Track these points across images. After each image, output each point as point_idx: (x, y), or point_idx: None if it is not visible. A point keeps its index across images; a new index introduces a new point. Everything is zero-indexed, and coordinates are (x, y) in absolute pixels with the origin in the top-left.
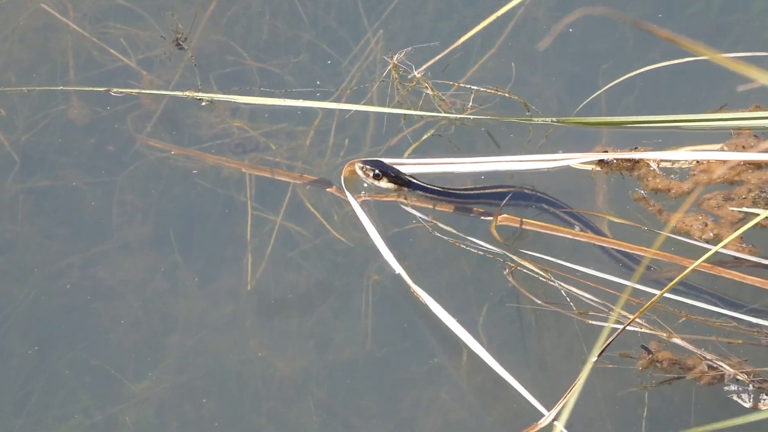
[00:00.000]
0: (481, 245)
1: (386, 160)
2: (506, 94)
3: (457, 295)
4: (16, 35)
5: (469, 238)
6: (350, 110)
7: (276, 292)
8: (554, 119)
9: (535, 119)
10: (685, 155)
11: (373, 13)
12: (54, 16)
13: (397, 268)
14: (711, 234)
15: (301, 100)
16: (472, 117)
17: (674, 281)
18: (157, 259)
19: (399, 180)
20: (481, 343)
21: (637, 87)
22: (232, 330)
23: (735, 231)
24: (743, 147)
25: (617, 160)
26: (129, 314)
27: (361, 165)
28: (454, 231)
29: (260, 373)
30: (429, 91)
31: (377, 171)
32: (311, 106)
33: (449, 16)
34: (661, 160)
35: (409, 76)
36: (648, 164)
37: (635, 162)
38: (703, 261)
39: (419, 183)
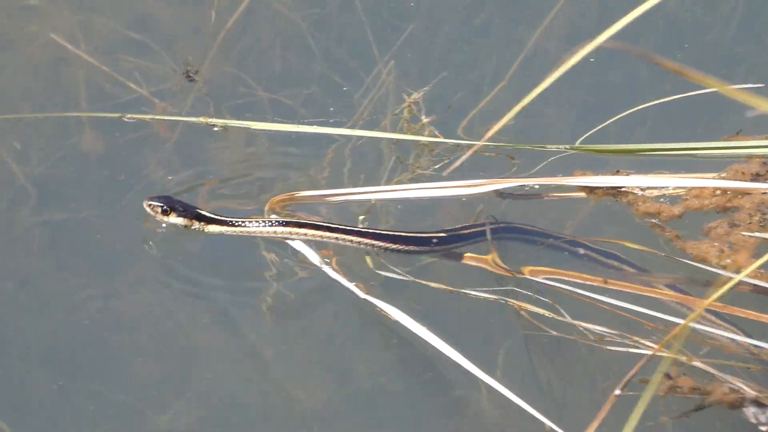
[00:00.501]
0: (477, 293)
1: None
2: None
3: (468, 329)
4: (29, 68)
5: (464, 291)
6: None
7: (297, 323)
8: (567, 146)
9: (549, 146)
10: (664, 181)
11: (384, 44)
12: (66, 48)
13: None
14: (728, 260)
15: (315, 126)
16: (486, 144)
17: (700, 309)
18: (173, 294)
19: (188, 214)
20: (498, 377)
21: (650, 117)
22: (253, 361)
23: (751, 255)
24: (743, 174)
25: (605, 187)
26: (150, 347)
27: (148, 203)
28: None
29: (281, 405)
30: (429, 138)
31: (165, 207)
32: (324, 132)
33: (460, 47)
34: (646, 187)
35: (422, 119)
36: (633, 191)
37: (618, 189)
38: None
39: (212, 216)
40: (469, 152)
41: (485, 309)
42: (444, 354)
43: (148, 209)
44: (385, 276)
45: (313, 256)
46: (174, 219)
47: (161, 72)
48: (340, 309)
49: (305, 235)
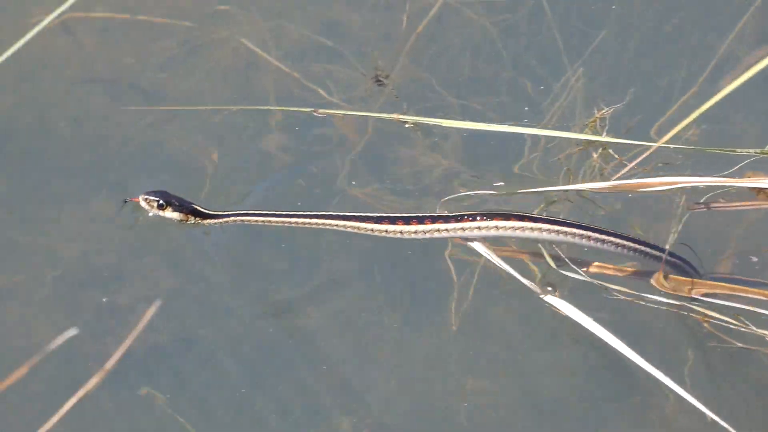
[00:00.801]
0: (660, 300)
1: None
2: None
3: (650, 337)
4: (219, 72)
5: (644, 295)
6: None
7: (480, 330)
8: (757, 150)
9: (738, 150)
10: None
11: (574, 52)
12: (256, 53)
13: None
14: None
15: (506, 125)
16: (675, 146)
17: None
18: (361, 294)
19: (184, 209)
20: (686, 386)
21: None
22: (437, 367)
23: None
24: None
25: None
26: (333, 352)
27: (145, 197)
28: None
29: (466, 411)
30: (619, 140)
31: (161, 201)
32: (515, 132)
33: (650, 53)
34: None
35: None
36: None
37: None
38: None
39: (208, 212)
40: (648, 152)
41: (664, 317)
42: (627, 359)
43: (144, 203)
44: (566, 279)
45: (495, 258)
46: (170, 213)
47: (350, 77)
48: (524, 312)
49: (296, 223)
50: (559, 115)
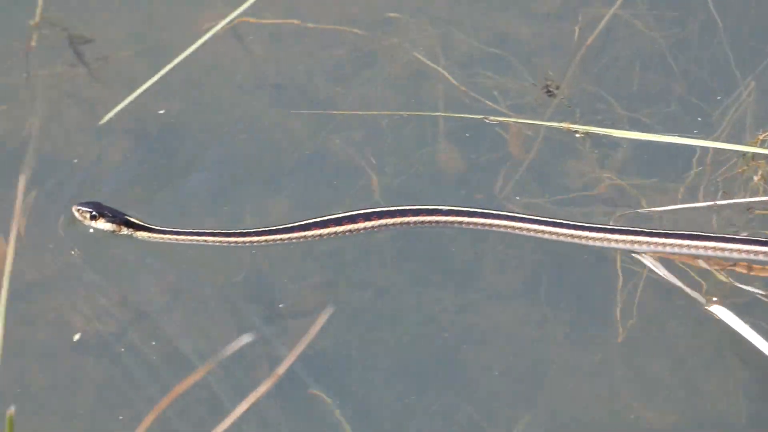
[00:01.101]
0: None
1: None
2: None
3: None
4: (388, 79)
5: None
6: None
7: (645, 343)
8: None
9: None
10: None
11: (746, 65)
12: (424, 62)
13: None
14: None
15: (676, 136)
16: None
17: None
18: (527, 308)
19: (117, 220)
20: None
21: None
22: (602, 379)
23: None
24: None
25: None
26: (500, 362)
27: (78, 208)
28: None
29: (630, 426)
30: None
31: (93, 212)
32: (685, 143)
33: None
34: None
35: None
36: None
37: None
38: None
39: (142, 224)
40: None
41: None
42: None
43: (76, 214)
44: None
45: (661, 269)
46: (102, 224)
47: (519, 87)
48: (691, 326)
49: (236, 243)
50: (729, 129)
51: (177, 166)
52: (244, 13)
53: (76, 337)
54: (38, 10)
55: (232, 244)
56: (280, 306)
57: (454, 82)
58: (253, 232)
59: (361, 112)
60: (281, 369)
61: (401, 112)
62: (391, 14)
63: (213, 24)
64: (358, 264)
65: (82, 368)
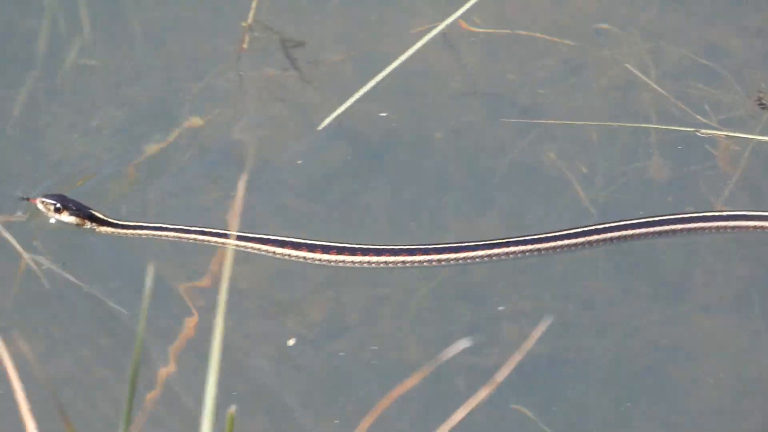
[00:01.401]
0: None
1: None
2: None
3: None
4: (597, 92)
5: None
6: None
7: None
8: None
9: None
10: None
11: None
12: (635, 74)
13: None
14: None
15: None
16: None
17: None
18: (737, 321)
19: (81, 213)
20: None
21: None
22: None
23: None
24: None
25: None
26: (710, 375)
27: (42, 199)
28: None
29: None
30: None
31: (58, 205)
32: None
33: None
34: None
35: None
36: None
37: None
38: None
39: (106, 219)
40: None
41: None
42: None
43: (40, 206)
44: None
45: None
46: (66, 217)
47: (729, 99)
48: None
49: (195, 240)
50: None
51: (382, 172)
52: (455, 21)
53: (291, 342)
54: (251, 13)
55: (191, 241)
56: (500, 309)
57: (664, 92)
58: (216, 233)
59: (569, 122)
60: (500, 376)
61: (610, 123)
62: (601, 25)
63: (423, 30)
64: (576, 276)
65: (290, 372)
